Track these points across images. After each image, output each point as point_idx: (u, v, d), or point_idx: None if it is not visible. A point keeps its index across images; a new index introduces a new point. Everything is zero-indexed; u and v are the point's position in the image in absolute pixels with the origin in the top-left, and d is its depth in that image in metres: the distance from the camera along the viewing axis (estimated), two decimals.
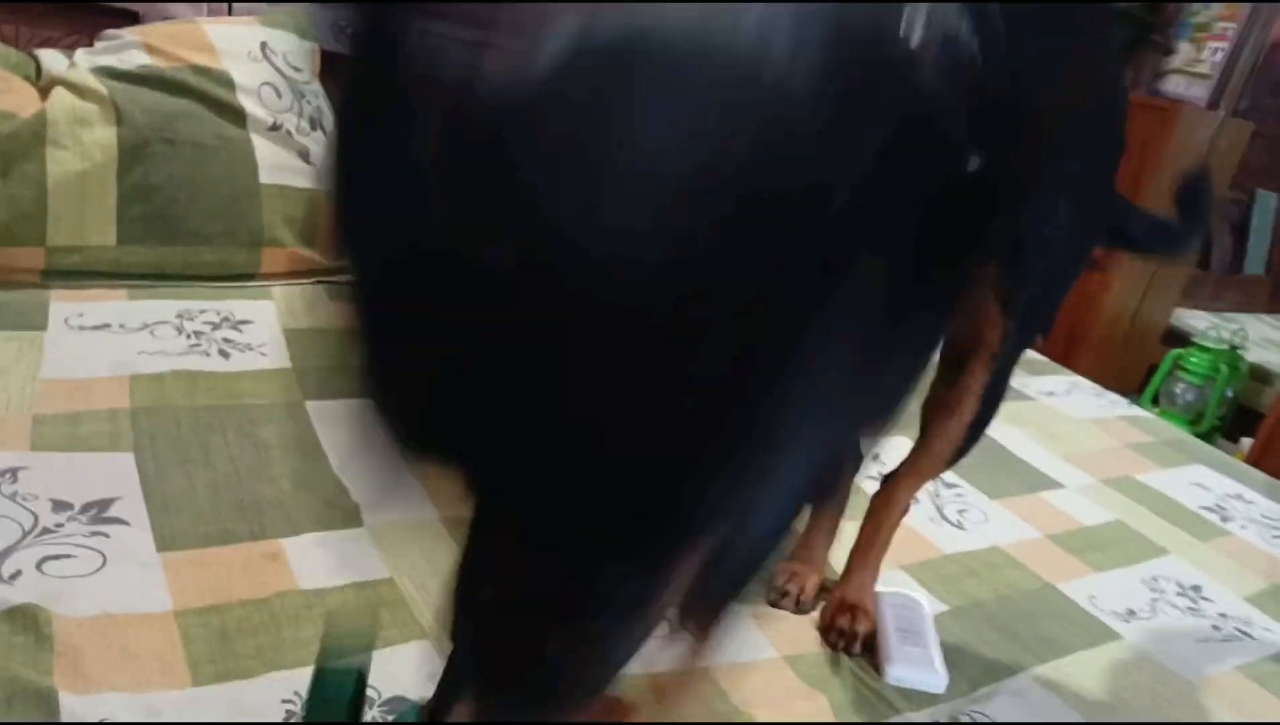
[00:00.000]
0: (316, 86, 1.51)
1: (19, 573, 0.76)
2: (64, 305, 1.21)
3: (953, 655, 0.98)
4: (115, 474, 0.92)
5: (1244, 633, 1.16)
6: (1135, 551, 1.30)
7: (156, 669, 0.69)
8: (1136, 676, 1.03)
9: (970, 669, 0.98)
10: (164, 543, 0.84)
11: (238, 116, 1.37)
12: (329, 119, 1.51)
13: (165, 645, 0.72)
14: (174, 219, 1.31)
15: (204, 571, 0.82)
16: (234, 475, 0.96)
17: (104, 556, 0.80)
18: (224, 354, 1.20)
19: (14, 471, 0.89)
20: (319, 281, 1.45)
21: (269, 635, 0.76)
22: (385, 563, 0.88)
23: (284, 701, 0.70)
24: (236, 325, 1.28)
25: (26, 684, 0.65)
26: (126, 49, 1.34)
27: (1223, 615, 1.19)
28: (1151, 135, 2.79)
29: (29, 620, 0.70)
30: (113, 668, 0.68)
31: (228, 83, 1.38)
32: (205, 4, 1.52)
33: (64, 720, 0.63)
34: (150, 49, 1.34)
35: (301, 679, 0.70)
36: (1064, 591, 1.17)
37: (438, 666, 0.59)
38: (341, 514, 0.94)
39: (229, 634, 0.75)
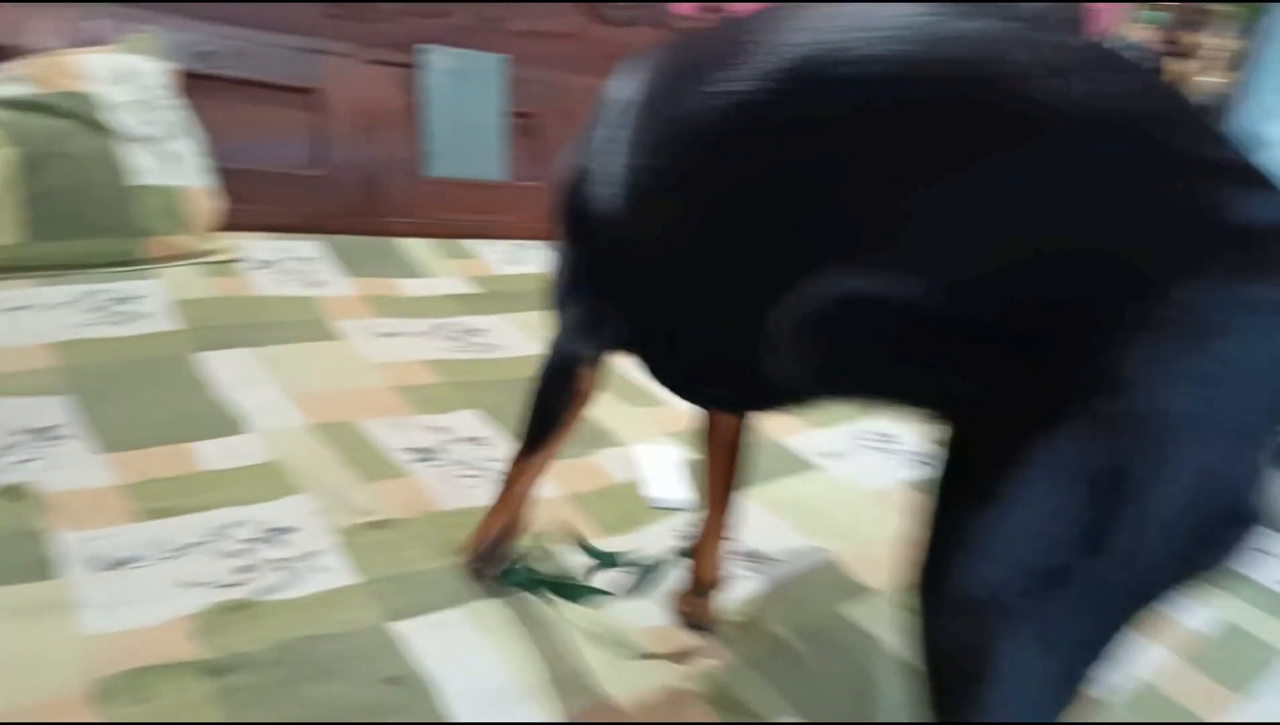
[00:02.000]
0: (174, 100, 1.81)
1: (3, 470, 1.09)
2: None
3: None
4: (57, 409, 1.25)
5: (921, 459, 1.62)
6: (842, 413, 1.74)
7: (115, 514, 1.05)
8: (825, 490, 1.47)
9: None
10: (104, 447, 1.18)
11: (110, 131, 1.66)
12: (189, 127, 1.81)
13: (116, 502, 1.07)
14: (68, 218, 1.60)
15: (135, 464, 1.16)
16: (146, 404, 1.30)
17: (60, 455, 1.14)
18: (124, 322, 1.51)
19: None
20: (195, 262, 1.76)
21: (184, 497, 1.11)
22: (266, 452, 1.24)
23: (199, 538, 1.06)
24: (131, 300, 1.59)
25: (24, 528, 0.99)
26: (12, 81, 1.62)
27: (908, 452, 1.64)
28: None
29: (19, 492, 1.04)
30: (86, 516, 1.03)
31: (99, 103, 1.67)
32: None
33: (56, 550, 0.97)
34: (33, 79, 1.62)
35: (204, 522, 1.07)
36: (785, 443, 1.61)
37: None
38: (227, 424, 1.29)
39: (157, 494, 1.10)
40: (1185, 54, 2.72)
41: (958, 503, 0.62)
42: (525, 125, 2.35)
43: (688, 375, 0.94)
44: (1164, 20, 2.78)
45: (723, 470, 1.11)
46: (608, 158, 0.87)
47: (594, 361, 0.99)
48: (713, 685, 1.00)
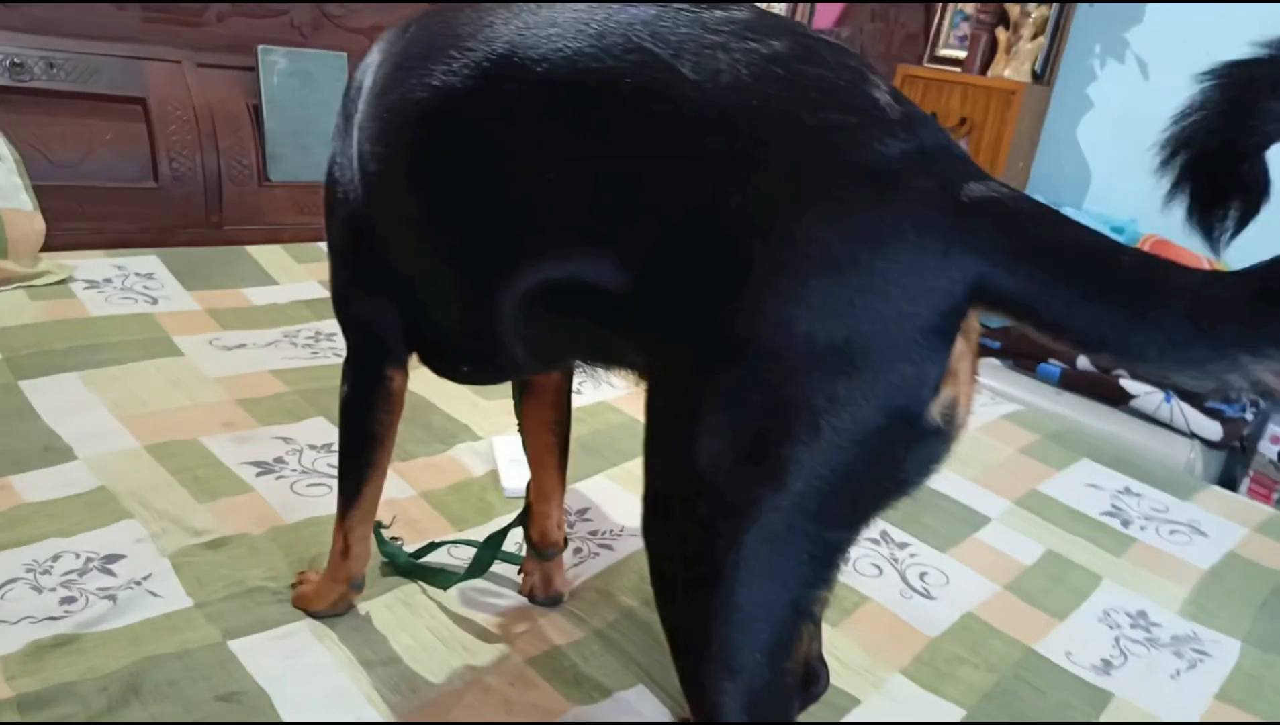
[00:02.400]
0: None
1: None
2: None
3: None
4: None
5: None
6: None
7: None
8: None
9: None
10: None
11: None
12: (2, 145, 1.72)
13: None
14: None
15: None
16: None
17: None
18: None
19: None
20: (19, 286, 1.68)
21: (2, 534, 1.07)
22: (94, 479, 1.20)
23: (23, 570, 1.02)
24: None
25: None
26: None
27: None
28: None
29: None
30: None
31: None
32: None
33: None
34: None
35: (23, 557, 1.03)
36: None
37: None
38: (53, 454, 1.24)
39: None
40: (1012, 25, 2.85)
41: (654, 452, 0.66)
42: None
43: (444, 354, 0.94)
44: None
45: (543, 431, 1.10)
46: (348, 143, 0.88)
47: (399, 360, 0.95)
48: (560, 663, 1.02)
